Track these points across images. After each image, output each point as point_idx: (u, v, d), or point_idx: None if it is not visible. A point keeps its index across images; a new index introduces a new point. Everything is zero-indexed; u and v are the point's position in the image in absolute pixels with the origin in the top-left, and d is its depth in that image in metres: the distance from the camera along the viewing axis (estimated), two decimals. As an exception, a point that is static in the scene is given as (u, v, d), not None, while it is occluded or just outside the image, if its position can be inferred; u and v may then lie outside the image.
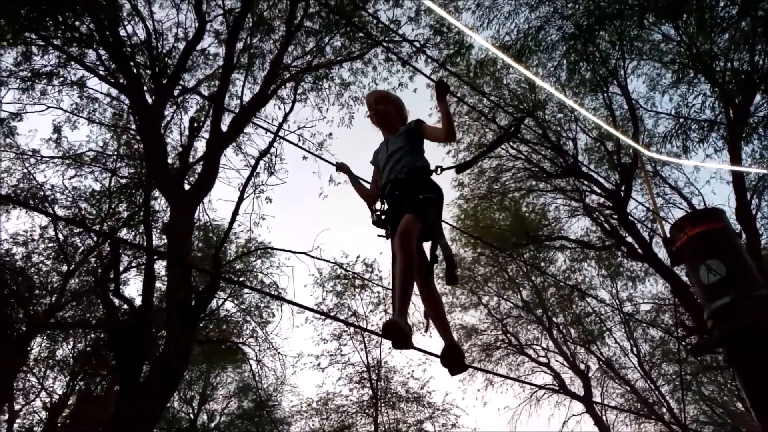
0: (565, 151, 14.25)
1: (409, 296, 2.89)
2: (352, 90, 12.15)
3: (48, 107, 10.20)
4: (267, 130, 11.64)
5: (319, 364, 16.85)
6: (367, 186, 3.75)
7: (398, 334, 2.75)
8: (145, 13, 10.24)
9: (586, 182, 13.36)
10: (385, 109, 3.66)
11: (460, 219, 16.02)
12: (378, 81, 12.20)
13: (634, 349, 19.02)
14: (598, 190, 12.78)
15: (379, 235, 3.35)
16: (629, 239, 12.13)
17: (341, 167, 3.82)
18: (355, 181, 3.76)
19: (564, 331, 19.52)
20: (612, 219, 12.82)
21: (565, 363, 19.28)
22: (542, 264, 17.24)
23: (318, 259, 11.91)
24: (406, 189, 3.19)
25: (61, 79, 9.97)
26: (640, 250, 11.53)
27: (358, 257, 14.80)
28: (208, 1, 10.57)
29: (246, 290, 15.84)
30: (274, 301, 16.29)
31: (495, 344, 19.54)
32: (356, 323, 16.06)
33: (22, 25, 8.94)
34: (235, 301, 15.83)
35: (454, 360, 2.97)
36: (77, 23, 9.27)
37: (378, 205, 3.40)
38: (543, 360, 19.63)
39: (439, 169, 3.29)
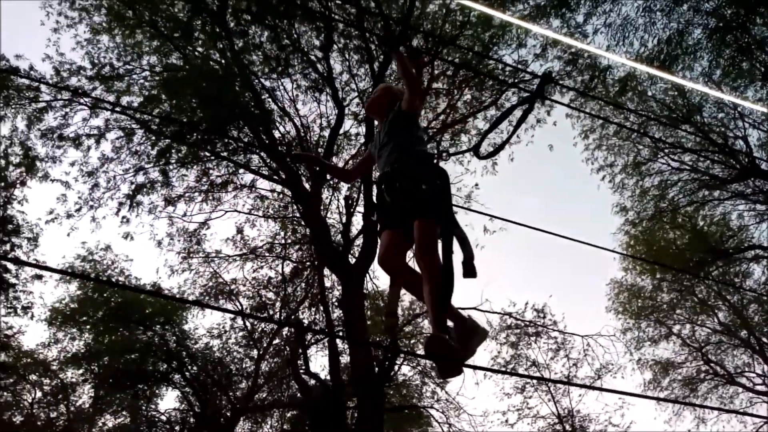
0: (736, 152, 12.86)
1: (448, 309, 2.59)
2: (490, 138, 12.15)
3: (225, 212, 11.47)
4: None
5: (506, 421, 16.22)
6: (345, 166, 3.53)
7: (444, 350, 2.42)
8: (291, 112, 11.27)
9: (770, 180, 11.86)
10: (378, 97, 3.28)
11: (630, 246, 14.93)
12: (513, 121, 12.08)
13: None
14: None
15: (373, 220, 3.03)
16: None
17: (306, 159, 3.57)
18: (323, 165, 3.53)
19: (781, 351, 16.95)
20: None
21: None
22: (736, 280, 15.35)
23: (487, 312, 11.76)
24: (403, 182, 2.81)
25: (234, 185, 11.20)
26: None
27: (526, 304, 14.28)
28: (343, 88, 11.36)
29: (420, 352, 15.93)
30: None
31: (698, 377, 17.47)
32: (539, 374, 15.33)
33: (197, 146, 10.30)
34: (411, 364, 15.97)
35: (438, 354, 2.47)
36: (239, 134, 10.44)
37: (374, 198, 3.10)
38: (761, 388, 17.10)
39: (444, 155, 2.97)
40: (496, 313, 12.50)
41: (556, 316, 15.01)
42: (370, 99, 3.37)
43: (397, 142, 2.94)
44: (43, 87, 10.18)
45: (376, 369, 10.05)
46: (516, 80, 11.46)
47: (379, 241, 2.85)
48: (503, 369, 15.24)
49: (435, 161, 2.92)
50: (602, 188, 14.32)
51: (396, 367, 12.94)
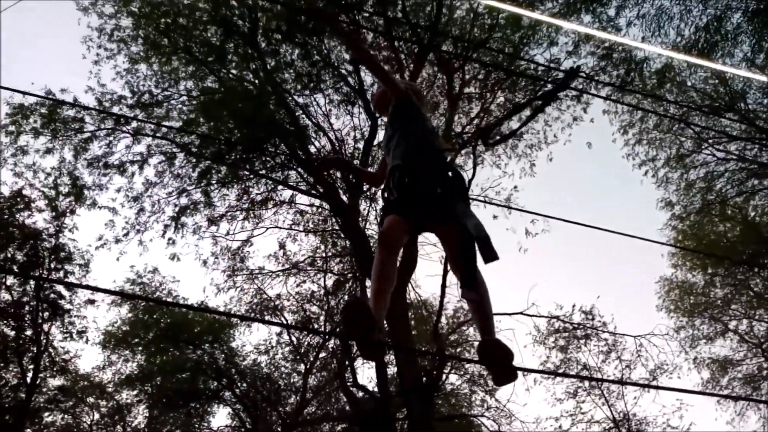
0: (786, 137, 12.35)
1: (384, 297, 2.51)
2: (527, 138, 12.01)
3: (266, 228, 11.63)
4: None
5: (560, 427, 15.85)
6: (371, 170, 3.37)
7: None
8: (326, 126, 11.39)
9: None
10: (380, 95, 3.24)
11: (678, 241, 14.47)
12: (550, 122, 11.94)
13: None
14: None
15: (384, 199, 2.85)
16: None
17: (332, 163, 3.39)
18: (350, 169, 3.44)
19: None
20: None
21: None
22: (795, 270, 14.67)
23: (534, 316, 11.54)
24: (406, 178, 2.73)
25: (273, 201, 11.36)
26: None
27: (573, 306, 13.95)
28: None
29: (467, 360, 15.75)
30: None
31: (760, 374, 16.72)
32: (589, 375, 14.94)
33: (236, 166, 10.50)
34: (459, 373, 15.80)
35: (496, 360, 2.40)
36: (276, 151, 10.60)
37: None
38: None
39: (457, 145, 2.91)
40: (543, 317, 12.26)
41: (605, 318, 14.64)
42: (374, 98, 3.33)
43: (400, 134, 2.91)
44: (87, 118, 10.56)
45: (424, 378, 9.97)
46: (549, 79, 11.31)
47: (384, 220, 2.77)
48: (556, 372, 14.92)
49: (446, 158, 2.87)
50: (645, 183, 13.96)
51: (444, 376, 12.82)
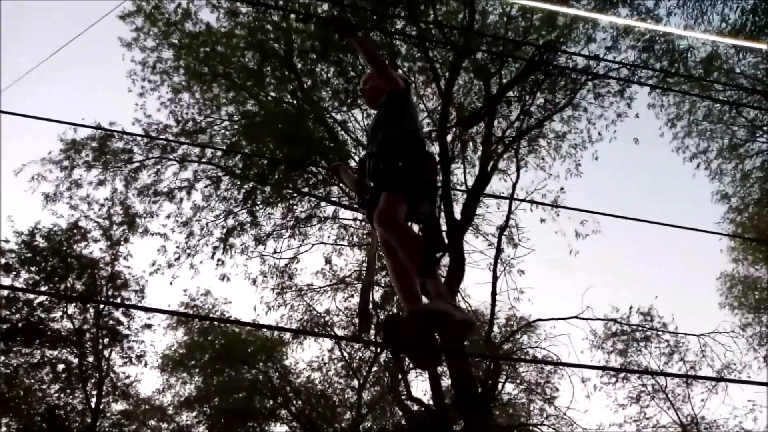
0: None
1: (409, 286, 2.42)
2: (570, 139, 11.76)
3: (312, 245, 11.74)
4: (497, 204, 11.73)
5: (624, 433, 15.26)
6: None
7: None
8: (364, 141, 11.43)
9: None
10: (371, 87, 3.14)
11: (738, 234, 13.84)
12: (593, 119, 11.66)
13: None
14: None
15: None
16: None
17: (335, 170, 3.43)
18: (346, 176, 3.42)
19: None
20: None
21: None
22: None
23: (589, 319, 11.21)
24: (381, 162, 2.68)
25: (317, 218, 11.48)
26: None
27: (630, 308, 13.48)
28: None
29: (523, 369, 15.43)
30: (554, 375, 15.54)
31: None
32: (653, 381, 14.38)
33: (280, 185, 10.66)
34: (515, 382, 15.46)
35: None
36: (317, 169, 10.72)
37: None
38: None
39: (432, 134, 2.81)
40: (599, 320, 11.89)
41: (664, 318, 14.07)
42: (363, 91, 3.24)
43: (384, 126, 2.83)
44: (135, 148, 10.94)
45: (480, 389, 9.80)
46: (590, 76, 11.07)
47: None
48: (616, 373, 14.43)
49: (417, 138, 2.79)
50: (698, 177, 13.46)
51: (500, 386, 12.57)
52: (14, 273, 13.29)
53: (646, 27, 8.94)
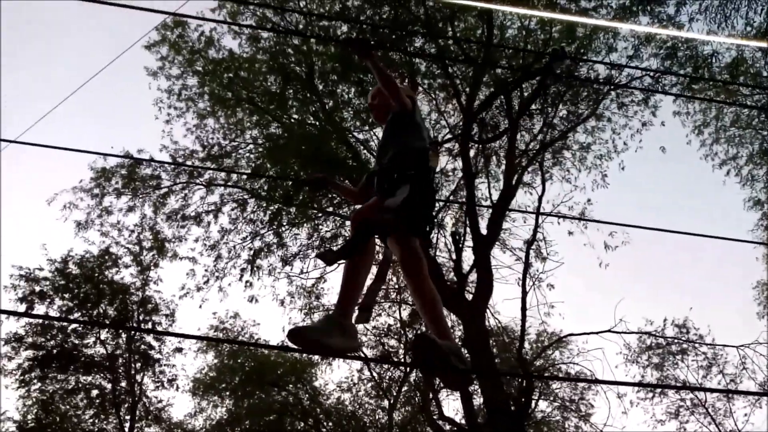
0: None
1: (352, 290, 2.47)
2: (595, 150, 11.64)
3: (339, 264, 11.71)
4: (523, 218, 11.62)
5: (664, 450, 14.78)
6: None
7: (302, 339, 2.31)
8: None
9: None
10: (379, 102, 3.17)
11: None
12: (617, 129, 11.54)
13: None
14: None
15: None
16: None
17: (319, 183, 3.40)
18: (336, 186, 3.45)
19: None
20: None
21: None
22: None
23: (623, 333, 10.96)
24: (384, 177, 2.75)
25: (343, 237, 11.49)
26: None
27: (665, 320, 13.15)
28: (434, 127, 11.44)
29: (556, 386, 15.12)
30: (588, 391, 15.19)
31: None
32: (692, 396, 13.95)
33: (305, 206, 10.74)
34: (548, 399, 15.16)
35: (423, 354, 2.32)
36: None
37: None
38: None
39: (434, 147, 2.82)
40: (632, 333, 11.60)
41: (700, 329, 13.68)
42: (372, 107, 3.28)
43: (393, 142, 2.88)
44: (163, 174, 11.15)
45: (513, 407, 9.61)
46: (612, 86, 10.98)
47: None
48: (653, 387, 14.03)
49: (422, 152, 2.82)
50: (729, 184, 13.16)
51: (533, 403, 12.32)
52: (48, 300, 13.58)
53: (668, 33, 8.84)
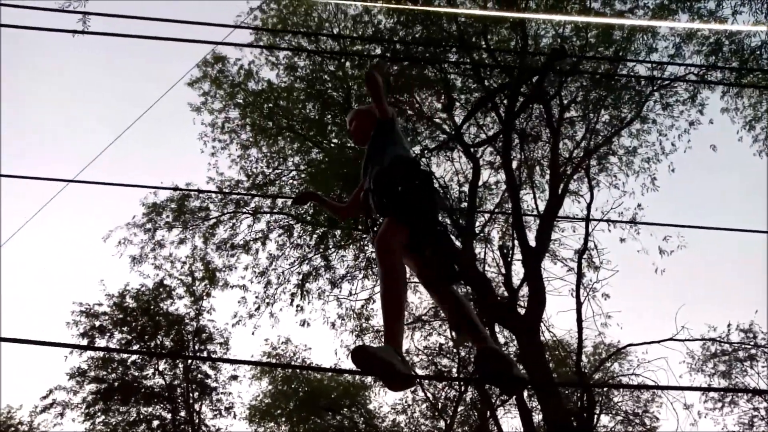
0: None
1: (395, 319, 2.31)
2: (641, 153, 11.34)
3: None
4: (572, 227, 11.38)
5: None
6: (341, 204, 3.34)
7: (368, 362, 2.15)
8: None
9: None
10: (355, 126, 3.20)
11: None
12: (663, 131, 11.23)
13: None
14: None
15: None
16: None
17: (302, 198, 3.43)
18: (323, 203, 3.36)
19: None
20: None
21: None
22: None
23: (686, 341, 10.51)
24: (381, 191, 2.67)
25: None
26: None
27: (729, 325, 12.56)
28: (473, 140, 11.38)
29: (618, 399, 14.62)
30: (652, 403, 14.62)
31: None
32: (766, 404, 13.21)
33: (349, 228, 10.82)
34: (610, 413, 14.65)
35: (496, 367, 2.25)
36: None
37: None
38: None
39: (425, 152, 2.74)
40: (696, 340, 11.12)
41: (769, 333, 12.99)
42: (351, 132, 3.28)
43: (380, 156, 2.83)
44: (211, 206, 11.44)
45: (574, 422, 9.31)
46: (654, 87, 10.71)
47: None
48: (722, 397, 13.37)
49: (415, 163, 2.80)
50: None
51: (595, 419, 11.91)
52: (108, 334, 14.02)
53: (710, 28, 8.58)
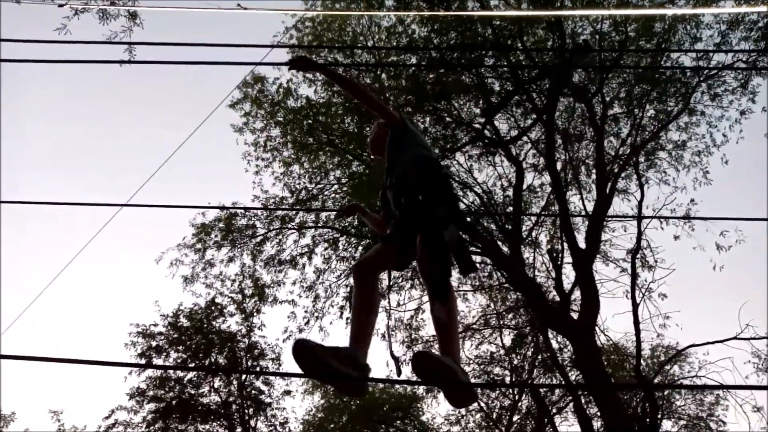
0: None
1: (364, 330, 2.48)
2: (691, 146, 10.96)
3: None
4: (623, 226, 11.08)
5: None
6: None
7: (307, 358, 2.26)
8: (470, 182, 11.38)
9: None
10: (371, 140, 3.27)
11: None
12: (714, 122, 10.83)
13: None
14: None
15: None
16: None
17: (347, 211, 3.49)
18: (365, 214, 3.34)
19: None
20: None
21: None
22: None
23: (751, 339, 10.03)
24: (400, 189, 2.71)
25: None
26: None
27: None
28: (515, 143, 11.24)
29: (680, 403, 14.07)
30: (717, 406, 13.99)
31: None
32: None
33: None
34: (672, 417, 14.10)
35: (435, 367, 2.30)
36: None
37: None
38: None
39: (447, 153, 2.63)
40: (762, 338, 10.57)
41: None
42: (368, 146, 3.38)
43: (401, 158, 2.86)
44: (257, 223, 11.64)
45: (636, 428, 8.99)
46: (701, 77, 10.36)
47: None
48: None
49: (434, 163, 2.81)
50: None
51: (657, 425, 11.46)
52: (165, 354, 14.37)
53: (759, 11, 8.23)
